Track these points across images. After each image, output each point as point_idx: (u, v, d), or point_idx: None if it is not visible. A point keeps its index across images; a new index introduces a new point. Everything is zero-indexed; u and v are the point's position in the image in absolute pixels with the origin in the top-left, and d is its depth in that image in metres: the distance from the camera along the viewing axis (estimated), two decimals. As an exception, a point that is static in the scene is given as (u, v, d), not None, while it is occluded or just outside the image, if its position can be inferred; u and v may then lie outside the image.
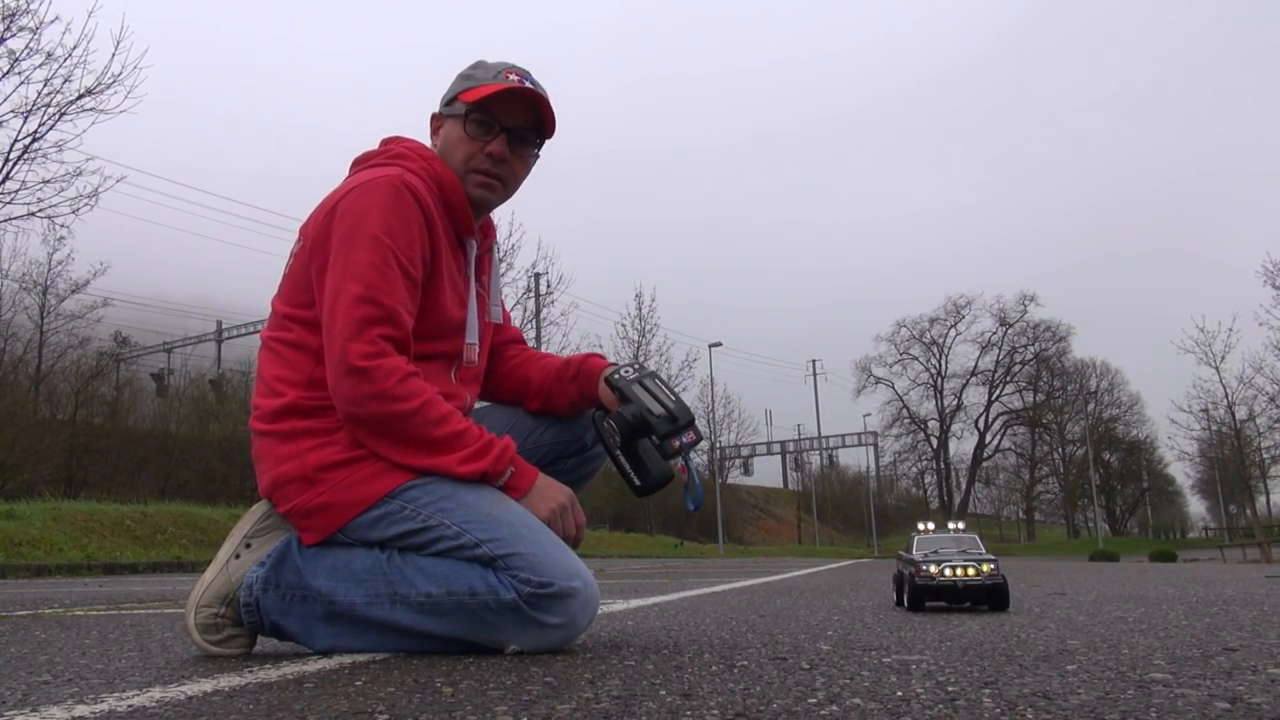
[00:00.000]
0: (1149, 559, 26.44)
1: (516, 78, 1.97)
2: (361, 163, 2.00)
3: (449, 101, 2.00)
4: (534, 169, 2.08)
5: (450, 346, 1.98)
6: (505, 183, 2.02)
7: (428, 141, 2.06)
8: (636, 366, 2.05)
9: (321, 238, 1.84)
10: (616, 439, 1.92)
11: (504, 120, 1.96)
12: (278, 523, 1.92)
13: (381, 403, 1.76)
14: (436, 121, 2.05)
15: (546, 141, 2.06)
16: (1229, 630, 2.25)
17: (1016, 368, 65.16)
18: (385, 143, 2.04)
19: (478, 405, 2.19)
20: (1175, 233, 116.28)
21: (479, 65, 2.01)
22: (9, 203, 12.47)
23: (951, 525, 3.21)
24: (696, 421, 1.95)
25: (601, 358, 2.12)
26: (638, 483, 1.99)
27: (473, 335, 2.02)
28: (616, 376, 2.00)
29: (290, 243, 1.98)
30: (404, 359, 1.80)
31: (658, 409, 1.90)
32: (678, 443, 1.89)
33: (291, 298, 1.91)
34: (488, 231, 2.15)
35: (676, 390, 1.98)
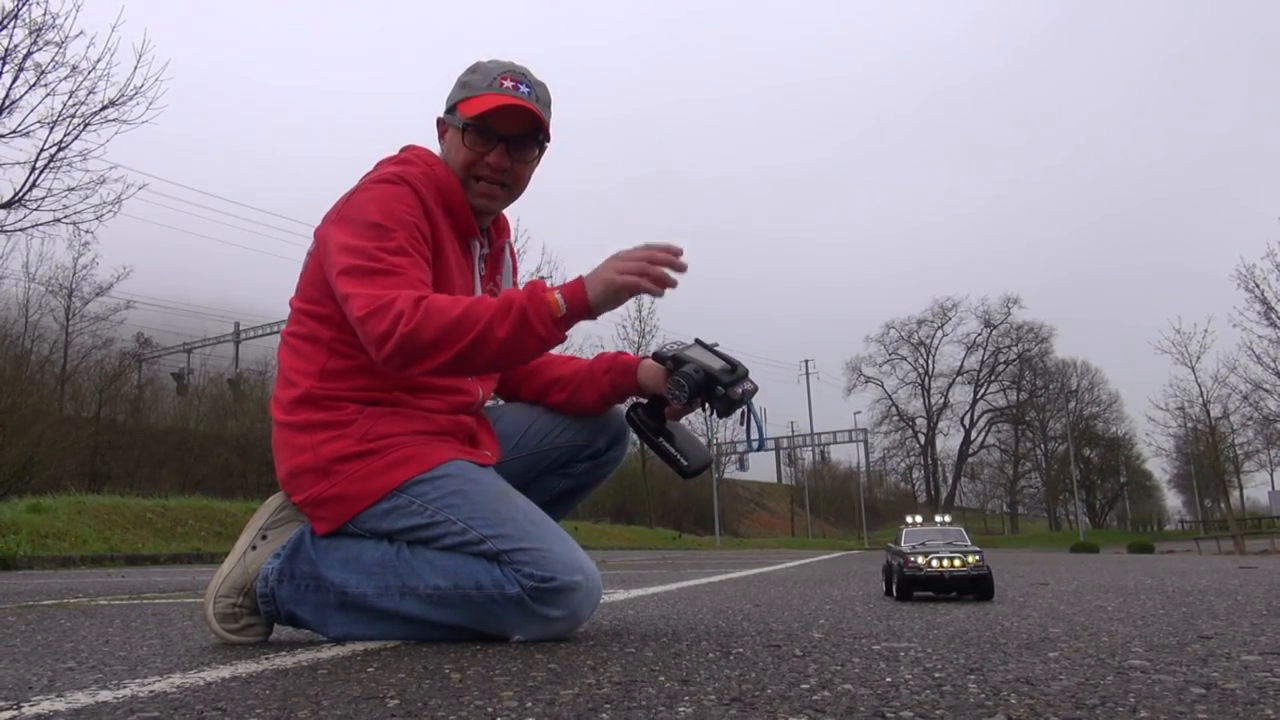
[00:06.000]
0: (1127, 551, 26.62)
1: (512, 83, 1.97)
2: (377, 165, 2.04)
3: (450, 110, 2.02)
4: (542, 163, 2.07)
5: None
6: (509, 187, 2.05)
7: (437, 146, 2.09)
8: (679, 342, 2.12)
9: (326, 236, 1.89)
10: (684, 395, 1.97)
11: (502, 130, 1.97)
12: (291, 515, 1.96)
13: (401, 339, 1.71)
14: (441, 127, 2.07)
15: (549, 140, 2.05)
16: (1204, 619, 2.30)
17: (1000, 367, 65.85)
18: (402, 150, 2.09)
19: (493, 403, 2.22)
20: (1155, 244, 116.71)
21: (475, 69, 2.02)
22: (36, 209, 12.57)
23: (938, 518, 3.27)
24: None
25: (631, 356, 2.16)
26: (685, 463, 2.09)
27: None
28: (667, 348, 2.07)
29: (306, 247, 2.05)
30: (410, 293, 1.75)
31: (718, 363, 1.99)
32: (740, 390, 1.97)
33: (305, 294, 1.97)
34: (501, 231, 2.18)
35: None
